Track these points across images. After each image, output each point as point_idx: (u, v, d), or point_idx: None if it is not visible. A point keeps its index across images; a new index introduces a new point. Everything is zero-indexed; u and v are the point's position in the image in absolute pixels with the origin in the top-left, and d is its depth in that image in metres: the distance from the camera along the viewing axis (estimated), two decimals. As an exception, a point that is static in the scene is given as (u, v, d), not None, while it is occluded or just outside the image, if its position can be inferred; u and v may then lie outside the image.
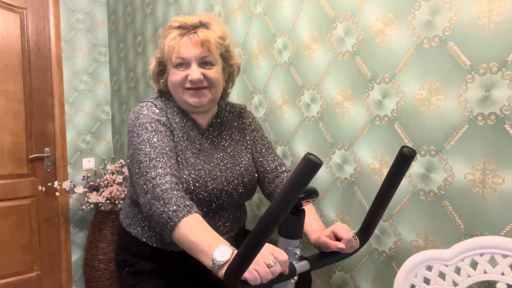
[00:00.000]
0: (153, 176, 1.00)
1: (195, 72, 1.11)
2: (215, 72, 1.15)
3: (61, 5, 2.65)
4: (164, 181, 0.99)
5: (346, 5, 1.28)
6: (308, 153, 0.68)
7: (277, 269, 0.82)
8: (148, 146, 1.06)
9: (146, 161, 1.03)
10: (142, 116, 1.12)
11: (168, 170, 1.03)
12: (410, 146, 0.99)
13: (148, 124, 1.10)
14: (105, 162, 2.75)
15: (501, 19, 0.95)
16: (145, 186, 1.01)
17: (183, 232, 0.91)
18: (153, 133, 1.08)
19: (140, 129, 1.09)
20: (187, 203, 0.97)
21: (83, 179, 2.65)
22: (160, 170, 1.02)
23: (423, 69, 1.10)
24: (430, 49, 1.08)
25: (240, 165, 1.23)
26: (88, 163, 2.82)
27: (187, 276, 1.19)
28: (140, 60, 2.50)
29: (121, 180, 2.48)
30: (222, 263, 0.82)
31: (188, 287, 1.19)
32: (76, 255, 2.78)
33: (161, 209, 0.95)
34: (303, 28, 1.43)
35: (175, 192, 0.98)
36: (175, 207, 0.94)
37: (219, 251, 0.83)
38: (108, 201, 2.43)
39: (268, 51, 1.58)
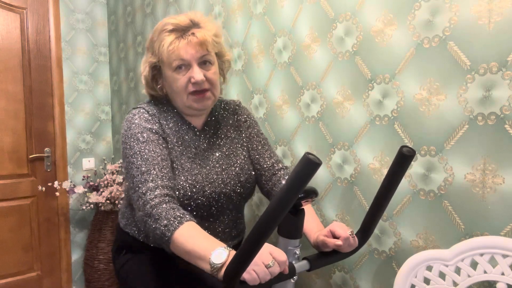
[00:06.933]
0: (144, 191, 1.01)
1: (198, 73, 1.11)
2: (213, 73, 1.15)
3: (61, 5, 2.65)
4: (153, 196, 1.00)
5: (346, 5, 1.28)
6: (307, 153, 0.67)
7: (276, 269, 0.82)
8: (139, 158, 1.06)
9: (138, 175, 1.04)
10: (133, 126, 1.12)
11: (159, 182, 1.03)
12: (409, 146, 0.99)
13: (139, 134, 1.10)
14: (105, 162, 2.75)
15: (501, 19, 0.95)
16: (138, 203, 1.02)
17: (178, 244, 0.91)
18: (144, 144, 1.09)
19: (131, 140, 1.10)
20: (177, 213, 0.96)
21: (83, 179, 2.65)
22: (150, 184, 1.02)
23: (423, 69, 1.10)
24: (430, 49, 1.08)
25: (235, 164, 1.23)
26: (88, 163, 2.82)
27: (185, 275, 1.19)
28: (140, 60, 2.50)
29: (121, 180, 2.49)
30: (220, 265, 0.82)
31: (186, 284, 1.20)
32: (76, 255, 2.78)
33: (153, 226, 0.96)
34: (303, 28, 1.43)
35: (164, 205, 0.98)
36: (165, 222, 0.94)
37: (215, 254, 0.83)
38: (108, 201, 2.43)
39: (268, 51, 1.58)
